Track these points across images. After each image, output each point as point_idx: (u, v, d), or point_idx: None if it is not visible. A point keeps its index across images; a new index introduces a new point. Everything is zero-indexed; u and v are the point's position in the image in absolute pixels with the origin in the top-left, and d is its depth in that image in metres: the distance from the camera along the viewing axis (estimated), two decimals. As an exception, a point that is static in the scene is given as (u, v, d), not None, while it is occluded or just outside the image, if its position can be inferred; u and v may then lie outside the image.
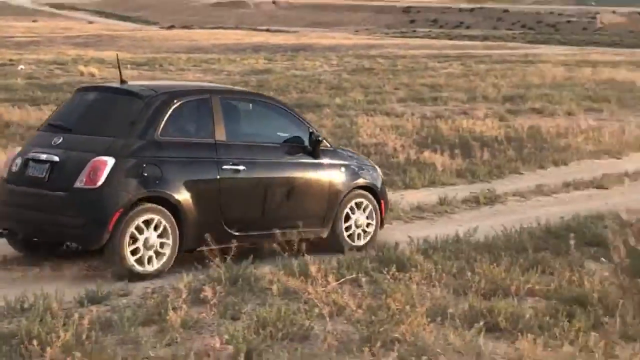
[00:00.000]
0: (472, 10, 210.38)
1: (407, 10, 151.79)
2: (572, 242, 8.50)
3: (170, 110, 8.61)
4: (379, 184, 10.07)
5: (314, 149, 9.39)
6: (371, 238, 9.79)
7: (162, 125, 8.50)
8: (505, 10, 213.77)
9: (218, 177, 8.69)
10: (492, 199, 12.04)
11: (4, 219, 8.71)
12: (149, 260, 8.20)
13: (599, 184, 13.33)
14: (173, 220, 8.31)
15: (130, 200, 8.12)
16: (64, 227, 8.31)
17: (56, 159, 8.35)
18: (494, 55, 50.93)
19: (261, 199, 9.06)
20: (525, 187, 12.91)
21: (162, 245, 8.25)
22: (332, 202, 9.51)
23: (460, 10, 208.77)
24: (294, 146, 9.38)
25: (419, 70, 36.73)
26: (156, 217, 8.21)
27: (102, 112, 8.95)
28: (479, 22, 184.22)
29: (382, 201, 9.98)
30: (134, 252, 8.10)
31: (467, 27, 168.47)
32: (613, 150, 16.65)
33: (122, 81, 9.23)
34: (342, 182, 9.62)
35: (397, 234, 9.92)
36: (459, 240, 9.22)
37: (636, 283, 7.62)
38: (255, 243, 9.02)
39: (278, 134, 9.49)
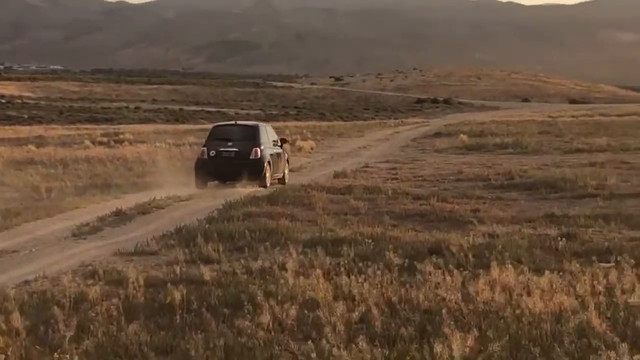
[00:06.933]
0: None
1: None
2: None
3: (260, 129, 20.47)
4: (289, 157, 22.34)
5: (281, 144, 21.47)
6: (287, 179, 21.15)
7: (260, 136, 20.00)
8: None
9: (273, 152, 20.26)
10: None
11: (212, 175, 19.44)
12: (268, 180, 19.57)
13: None
14: (270, 168, 19.64)
15: (266, 161, 19.44)
16: (247, 174, 19.01)
17: (236, 149, 19.46)
18: None
19: (277, 161, 20.44)
20: None
21: (270, 175, 19.71)
22: (284, 163, 21.24)
23: None
24: (277, 143, 21.03)
25: None
26: (269, 167, 19.57)
27: (239, 133, 20.25)
28: None
29: (288, 163, 21.85)
30: (266, 178, 19.51)
31: None
32: None
33: (235, 121, 22.76)
34: (285, 156, 21.52)
35: None
36: None
37: None
38: (276, 179, 20.54)
39: (272, 138, 20.96)
